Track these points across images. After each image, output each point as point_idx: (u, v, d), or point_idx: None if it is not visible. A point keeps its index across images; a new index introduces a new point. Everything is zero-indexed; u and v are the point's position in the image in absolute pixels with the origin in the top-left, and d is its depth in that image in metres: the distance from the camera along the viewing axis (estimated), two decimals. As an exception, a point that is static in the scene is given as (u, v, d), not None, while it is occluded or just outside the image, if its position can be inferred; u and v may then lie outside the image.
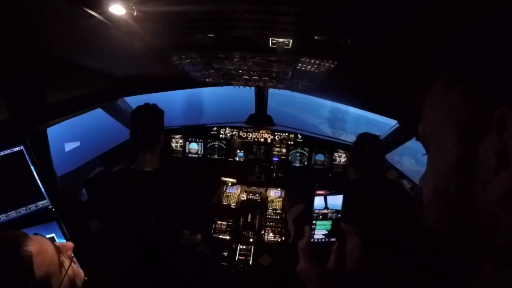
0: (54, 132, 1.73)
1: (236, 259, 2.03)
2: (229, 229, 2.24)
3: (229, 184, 2.55)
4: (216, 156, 2.61)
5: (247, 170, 2.57)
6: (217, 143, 2.60)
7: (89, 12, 0.71)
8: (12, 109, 1.15)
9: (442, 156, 0.35)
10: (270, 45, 0.99)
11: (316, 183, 0.75)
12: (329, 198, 0.73)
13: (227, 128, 2.58)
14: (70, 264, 0.82)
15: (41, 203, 1.43)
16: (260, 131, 2.57)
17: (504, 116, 0.27)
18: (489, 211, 0.30)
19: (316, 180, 2.52)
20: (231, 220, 2.30)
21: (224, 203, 2.45)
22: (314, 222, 0.73)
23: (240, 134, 2.58)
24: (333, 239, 0.74)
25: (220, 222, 2.28)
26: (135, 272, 1.37)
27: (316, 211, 0.73)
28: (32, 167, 1.39)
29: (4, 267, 0.67)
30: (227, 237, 2.18)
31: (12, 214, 1.35)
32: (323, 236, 0.74)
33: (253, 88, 2.44)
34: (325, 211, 0.74)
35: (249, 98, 2.73)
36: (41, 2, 0.66)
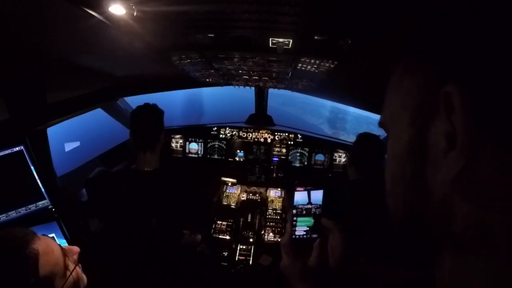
0: (54, 132, 1.73)
1: (236, 259, 2.03)
2: (229, 229, 2.24)
3: (229, 184, 2.55)
4: (216, 156, 2.61)
5: (247, 170, 2.57)
6: (217, 143, 2.60)
7: (89, 12, 0.71)
8: (12, 109, 1.15)
9: (397, 142, 0.35)
10: (270, 45, 0.99)
11: (296, 180, 0.75)
12: (313, 193, 0.73)
13: (227, 128, 2.58)
14: (74, 268, 0.83)
15: (41, 203, 1.43)
16: (260, 131, 2.57)
17: (450, 96, 0.27)
18: (442, 196, 0.29)
19: (316, 180, 2.53)
20: (231, 220, 2.30)
21: (224, 203, 2.45)
22: (295, 218, 0.74)
23: (240, 134, 2.58)
24: (315, 235, 0.74)
25: (220, 222, 2.28)
26: (135, 272, 1.37)
27: (300, 206, 0.74)
28: (32, 167, 1.39)
29: (9, 262, 0.68)
30: (227, 237, 2.18)
31: (12, 214, 1.35)
32: (305, 233, 0.74)
33: (253, 88, 2.44)
34: (309, 206, 0.74)
35: (249, 98, 2.73)
36: (41, 2, 0.66)
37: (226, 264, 2.00)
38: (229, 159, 2.59)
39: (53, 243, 0.79)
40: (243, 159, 2.58)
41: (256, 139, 2.58)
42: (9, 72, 1.06)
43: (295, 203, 0.74)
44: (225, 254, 2.06)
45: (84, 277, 0.90)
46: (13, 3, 0.65)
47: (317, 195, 0.74)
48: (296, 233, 0.73)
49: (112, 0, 0.66)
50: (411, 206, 0.33)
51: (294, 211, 0.74)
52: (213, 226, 2.25)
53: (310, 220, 0.74)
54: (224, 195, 2.52)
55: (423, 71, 0.32)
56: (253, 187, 2.58)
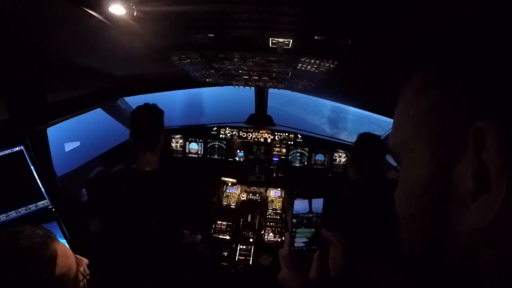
0: (54, 132, 1.73)
1: (236, 259, 2.03)
2: (229, 229, 2.24)
3: (229, 184, 2.55)
4: (216, 156, 2.61)
5: (247, 170, 2.57)
6: (217, 143, 2.60)
7: (89, 12, 0.71)
8: (12, 109, 1.15)
9: (413, 174, 0.30)
10: (270, 45, 0.99)
11: (296, 190, 0.73)
12: (314, 201, 0.71)
13: (227, 128, 2.58)
14: (84, 278, 0.87)
15: (41, 203, 1.43)
16: (260, 131, 2.57)
17: (483, 134, 0.23)
18: (466, 240, 0.25)
19: (316, 180, 2.52)
20: (231, 220, 2.30)
21: (224, 203, 2.45)
22: (294, 229, 0.71)
23: (240, 134, 2.58)
24: (314, 247, 0.72)
25: (220, 222, 2.28)
26: (135, 272, 1.37)
27: (301, 215, 0.71)
28: (32, 167, 1.39)
29: (29, 256, 0.71)
30: (227, 237, 2.18)
31: (12, 214, 1.35)
32: (304, 244, 0.72)
33: (253, 88, 2.44)
34: (310, 215, 0.72)
35: (249, 98, 2.73)
36: (41, 2, 0.66)
37: (226, 264, 1.99)
38: (229, 159, 2.59)
39: (69, 250, 0.84)
40: (243, 159, 2.58)
41: (256, 139, 2.57)
42: (9, 72, 1.06)
43: (295, 212, 0.71)
44: (225, 254, 2.05)
45: None
46: (13, 3, 0.65)
47: (319, 204, 0.72)
48: (296, 244, 0.71)
49: (112, 0, 0.66)
50: (430, 244, 0.29)
51: (295, 220, 0.71)
52: (213, 226, 2.25)
53: (309, 231, 0.72)
54: (224, 195, 2.52)
55: (447, 95, 0.27)
56: (253, 187, 2.58)
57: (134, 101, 2.10)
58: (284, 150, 2.56)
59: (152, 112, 1.47)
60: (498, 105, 0.23)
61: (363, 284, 0.77)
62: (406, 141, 0.32)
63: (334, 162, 2.53)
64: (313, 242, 0.72)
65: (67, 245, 0.88)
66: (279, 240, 2.18)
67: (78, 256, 0.89)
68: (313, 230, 0.72)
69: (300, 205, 0.71)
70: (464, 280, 0.26)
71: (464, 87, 0.25)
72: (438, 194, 0.27)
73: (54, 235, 0.81)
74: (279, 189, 2.57)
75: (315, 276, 0.66)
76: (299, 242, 0.72)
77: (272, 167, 2.57)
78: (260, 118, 2.73)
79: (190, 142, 2.61)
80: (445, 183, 0.26)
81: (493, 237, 0.24)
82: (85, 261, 0.92)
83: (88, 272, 0.90)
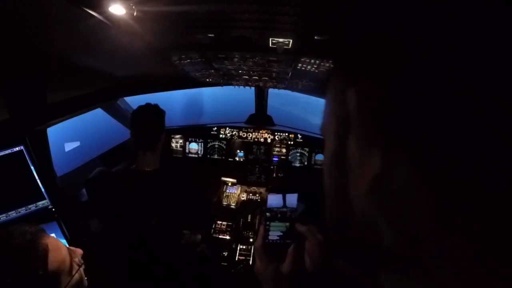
0: (54, 132, 1.73)
1: (236, 259, 2.03)
2: (229, 229, 2.24)
3: (229, 184, 2.55)
4: (216, 156, 2.61)
5: (247, 170, 2.57)
6: (217, 143, 2.60)
7: (89, 12, 0.71)
8: (12, 109, 1.15)
9: (327, 151, 0.34)
10: (270, 45, 0.99)
11: (270, 185, 0.74)
12: (288, 196, 0.73)
13: (227, 128, 2.58)
14: (79, 268, 0.86)
15: (41, 203, 1.43)
16: (260, 131, 2.57)
17: (351, 101, 0.27)
18: (366, 211, 0.27)
19: (316, 180, 2.52)
20: (231, 220, 2.30)
21: (224, 203, 2.45)
22: (268, 223, 0.72)
23: (240, 134, 2.58)
24: (288, 241, 0.72)
25: (220, 222, 2.28)
26: (135, 272, 1.37)
27: (274, 209, 0.73)
28: (32, 167, 1.39)
29: (20, 253, 0.71)
30: (227, 237, 2.18)
31: (12, 214, 1.35)
32: (278, 237, 0.72)
33: (253, 88, 2.44)
34: (284, 209, 0.73)
35: (249, 98, 2.72)
36: (41, 2, 0.66)
37: (226, 264, 2.00)
38: (229, 159, 2.59)
39: (61, 243, 0.84)
40: (243, 159, 2.58)
41: (256, 139, 2.57)
42: (9, 72, 1.06)
43: (269, 206, 0.73)
44: (225, 254, 2.06)
45: (85, 279, 0.92)
46: (13, 3, 0.65)
47: (292, 199, 0.73)
48: (270, 237, 0.72)
49: (112, 0, 0.66)
50: (339, 219, 0.32)
51: (268, 214, 0.72)
52: (213, 226, 2.25)
53: (283, 225, 0.73)
54: (224, 195, 2.52)
55: (343, 80, 0.31)
56: (253, 187, 2.58)
57: (134, 101, 2.10)
58: (284, 150, 2.56)
59: (153, 112, 1.47)
60: (357, 77, 0.28)
61: (338, 278, 0.77)
62: (326, 125, 0.36)
63: (334, 162, 2.53)
64: (288, 236, 0.73)
65: (66, 243, 0.89)
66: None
67: (72, 248, 0.90)
68: (287, 224, 0.73)
69: (274, 199, 0.72)
70: (374, 253, 0.28)
71: (346, 70, 0.31)
72: (338, 167, 0.30)
73: (43, 229, 0.81)
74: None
75: (289, 270, 0.66)
76: (274, 235, 0.73)
77: (272, 167, 2.57)
78: (260, 118, 2.73)
79: (190, 142, 2.61)
80: (343, 155, 0.29)
81: (383, 207, 0.25)
82: (79, 251, 0.92)
83: (82, 261, 0.90)
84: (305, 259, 0.74)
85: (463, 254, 0.21)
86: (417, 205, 0.22)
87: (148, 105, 1.48)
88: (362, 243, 0.30)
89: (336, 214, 0.32)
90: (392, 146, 0.23)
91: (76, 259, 0.88)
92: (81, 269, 0.88)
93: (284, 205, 0.73)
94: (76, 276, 0.84)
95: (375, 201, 0.26)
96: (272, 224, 0.72)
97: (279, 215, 0.73)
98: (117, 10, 0.70)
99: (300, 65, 1.24)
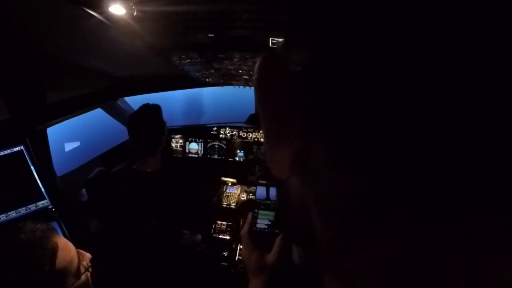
0: (54, 132, 1.73)
1: (236, 259, 2.03)
2: (229, 229, 2.24)
3: (229, 184, 2.55)
4: (216, 156, 2.61)
5: (247, 170, 2.57)
6: (217, 143, 2.60)
7: (89, 12, 0.71)
8: (12, 109, 1.15)
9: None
10: (270, 45, 0.99)
11: (260, 172, 0.76)
12: (271, 188, 0.74)
13: (227, 128, 2.58)
14: (86, 270, 0.86)
15: (41, 203, 1.43)
16: (260, 131, 2.57)
17: None
18: (299, 198, 0.24)
19: None
20: (231, 220, 2.29)
21: (224, 203, 2.45)
22: (256, 210, 0.73)
23: (240, 134, 2.58)
24: (277, 231, 0.72)
25: (220, 222, 2.28)
26: (135, 272, 1.37)
27: (258, 200, 0.74)
28: (32, 167, 1.39)
29: (29, 249, 0.71)
30: (227, 237, 2.18)
31: (12, 214, 1.35)
32: (266, 226, 0.73)
33: (253, 88, 2.44)
34: (268, 201, 0.74)
35: (249, 98, 2.72)
36: (41, 2, 0.66)
37: (226, 264, 1.99)
38: (229, 159, 2.59)
39: (70, 243, 0.84)
40: (243, 159, 2.58)
41: (256, 139, 2.57)
42: (9, 72, 1.06)
43: (257, 196, 0.75)
44: (225, 254, 2.05)
45: (91, 285, 0.92)
46: (14, 3, 0.65)
47: (274, 191, 0.74)
48: (258, 225, 0.73)
49: (112, 0, 0.66)
50: (285, 207, 0.29)
51: (258, 200, 0.75)
52: (213, 226, 2.25)
53: (271, 214, 0.73)
54: (224, 195, 2.52)
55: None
56: (253, 187, 2.58)
57: (134, 101, 2.10)
58: (284, 150, 2.55)
59: (150, 116, 1.45)
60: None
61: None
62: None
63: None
64: (276, 226, 0.73)
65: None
66: (279, 240, 2.18)
67: (81, 251, 0.90)
68: (274, 213, 0.74)
69: (260, 190, 0.75)
70: (317, 250, 0.23)
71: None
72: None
73: (54, 228, 0.81)
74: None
75: (274, 260, 0.65)
76: (262, 224, 0.73)
77: (272, 167, 2.57)
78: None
79: (190, 142, 2.61)
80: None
81: (307, 189, 0.22)
82: (88, 255, 0.92)
83: (90, 265, 0.90)
84: (293, 250, 0.73)
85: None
86: (332, 189, 0.19)
87: (144, 109, 1.46)
88: (299, 230, 0.27)
89: (283, 199, 0.30)
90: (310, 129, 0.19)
91: (84, 262, 0.88)
92: (88, 272, 0.88)
93: (268, 197, 0.75)
94: (83, 278, 0.84)
95: (303, 182, 0.23)
96: (260, 212, 0.74)
97: (262, 206, 0.75)
98: (117, 10, 0.70)
99: (300, 65, 1.23)
